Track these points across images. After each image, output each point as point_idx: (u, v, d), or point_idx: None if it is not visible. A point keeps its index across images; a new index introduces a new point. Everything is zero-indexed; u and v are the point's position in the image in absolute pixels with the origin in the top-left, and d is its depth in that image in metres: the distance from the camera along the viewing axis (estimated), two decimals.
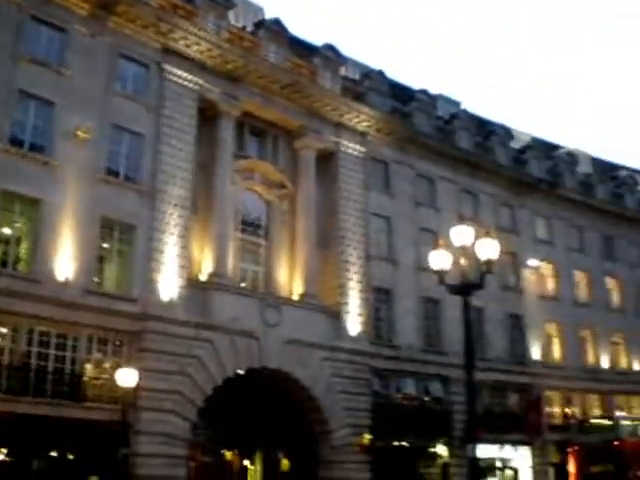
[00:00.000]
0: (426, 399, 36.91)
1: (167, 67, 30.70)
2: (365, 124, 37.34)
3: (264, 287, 33.08)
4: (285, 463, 33.99)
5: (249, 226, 33.71)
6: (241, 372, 29.72)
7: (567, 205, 47.75)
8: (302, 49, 38.12)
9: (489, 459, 38.11)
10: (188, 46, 31.11)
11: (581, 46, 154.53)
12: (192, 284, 29.33)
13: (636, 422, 35.26)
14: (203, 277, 30.28)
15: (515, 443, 39.64)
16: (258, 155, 34.67)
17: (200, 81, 31.55)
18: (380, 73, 41.08)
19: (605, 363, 46.22)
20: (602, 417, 39.24)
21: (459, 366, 25.38)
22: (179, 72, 30.95)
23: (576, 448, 33.43)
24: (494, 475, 39.02)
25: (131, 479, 24.81)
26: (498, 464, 39.40)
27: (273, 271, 33.52)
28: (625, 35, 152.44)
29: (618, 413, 41.58)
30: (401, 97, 42.12)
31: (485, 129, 46.63)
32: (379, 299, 36.52)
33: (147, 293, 27.69)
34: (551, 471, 41.12)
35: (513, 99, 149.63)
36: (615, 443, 31.44)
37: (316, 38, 49.41)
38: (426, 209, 39.82)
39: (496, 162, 44.46)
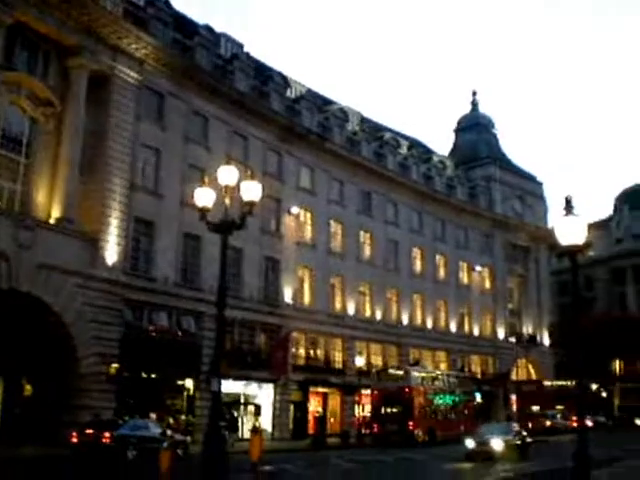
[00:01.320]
0: (178, 333, 37.40)
1: None
2: (143, 51, 36.46)
3: (20, 207, 31.65)
4: (28, 389, 33.18)
5: (9, 142, 31.88)
6: None
7: (332, 158, 49.77)
8: None
9: (234, 394, 39.68)
10: None
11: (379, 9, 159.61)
12: None
13: (423, 374, 43.67)
14: None
15: (260, 380, 41.53)
16: (27, 69, 32.77)
17: None
18: (166, 2, 40.19)
19: (351, 310, 49.14)
20: (397, 368, 44.95)
21: (213, 303, 26.14)
22: None
23: (375, 392, 41.22)
24: (238, 410, 40.55)
25: None
26: (242, 399, 41.00)
27: (32, 191, 32.12)
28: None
29: (409, 366, 46.36)
30: (185, 30, 41.58)
31: (263, 74, 47.15)
32: (140, 231, 36.34)
33: None
34: (292, 408, 43.55)
35: (295, 48, 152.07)
36: (406, 390, 38.96)
37: None
38: (196, 146, 39.87)
39: (270, 108, 45.22)
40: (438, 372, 47.77)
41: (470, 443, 27.79)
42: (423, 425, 38.98)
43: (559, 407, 55.83)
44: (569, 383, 55.86)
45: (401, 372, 42.01)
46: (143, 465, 22.43)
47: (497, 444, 27.21)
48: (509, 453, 27.29)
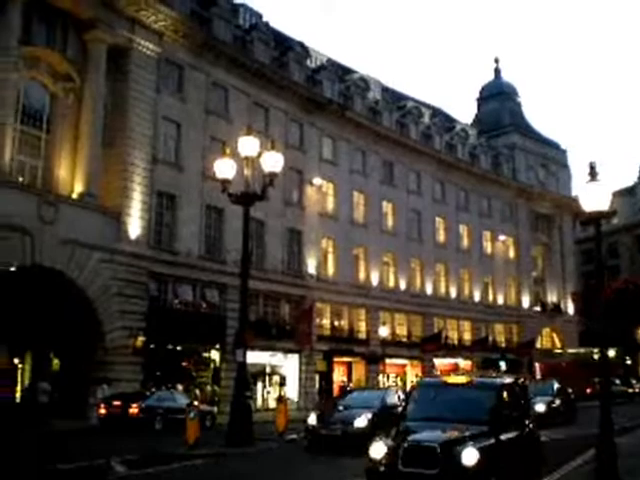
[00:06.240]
0: (203, 305, 37.60)
1: None
2: (162, 24, 36.20)
3: (42, 183, 31.70)
4: (56, 363, 33.49)
5: (30, 117, 31.81)
6: (12, 269, 28.56)
7: (354, 128, 49.43)
8: None
9: (259, 365, 39.91)
10: None
11: None
12: None
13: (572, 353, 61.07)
14: None
15: (285, 351, 41.71)
16: (46, 43, 32.57)
17: None
18: None
19: (375, 281, 49.06)
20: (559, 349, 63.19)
21: (236, 274, 26.22)
22: None
23: (542, 365, 59.15)
24: (263, 380, 40.83)
25: None
26: (268, 370, 41.24)
27: (53, 167, 32.13)
28: None
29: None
30: (203, 1, 41.16)
31: (283, 45, 46.75)
32: (162, 204, 36.37)
33: None
34: (317, 378, 43.78)
35: (314, 17, 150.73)
36: (562, 364, 55.65)
37: None
38: (217, 118, 39.71)
39: (290, 79, 44.91)
40: (582, 350, 59.48)
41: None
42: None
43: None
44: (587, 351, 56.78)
45: (560, 351, 60.73)
46: (171, 435, 22.61)
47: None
48: None
